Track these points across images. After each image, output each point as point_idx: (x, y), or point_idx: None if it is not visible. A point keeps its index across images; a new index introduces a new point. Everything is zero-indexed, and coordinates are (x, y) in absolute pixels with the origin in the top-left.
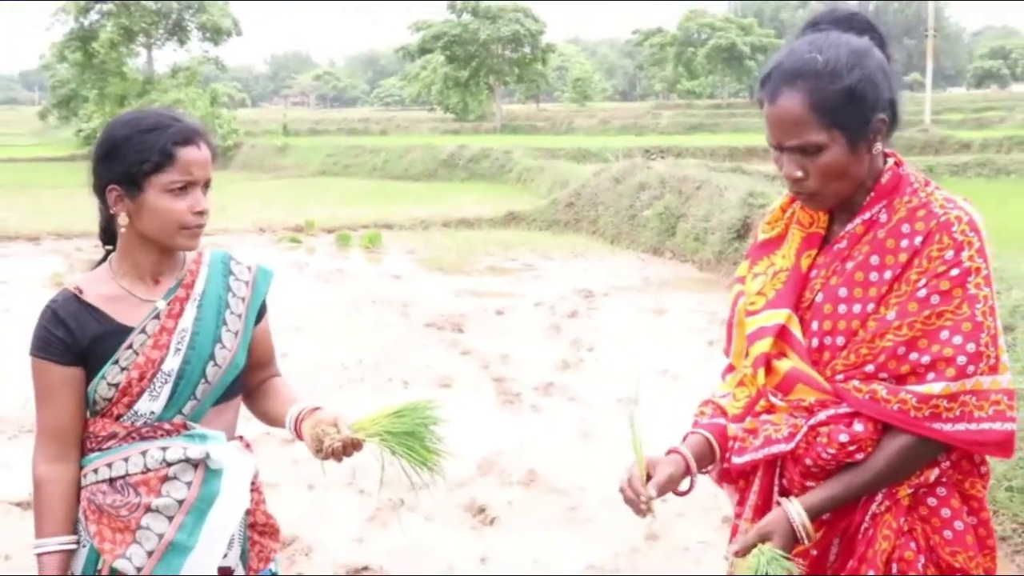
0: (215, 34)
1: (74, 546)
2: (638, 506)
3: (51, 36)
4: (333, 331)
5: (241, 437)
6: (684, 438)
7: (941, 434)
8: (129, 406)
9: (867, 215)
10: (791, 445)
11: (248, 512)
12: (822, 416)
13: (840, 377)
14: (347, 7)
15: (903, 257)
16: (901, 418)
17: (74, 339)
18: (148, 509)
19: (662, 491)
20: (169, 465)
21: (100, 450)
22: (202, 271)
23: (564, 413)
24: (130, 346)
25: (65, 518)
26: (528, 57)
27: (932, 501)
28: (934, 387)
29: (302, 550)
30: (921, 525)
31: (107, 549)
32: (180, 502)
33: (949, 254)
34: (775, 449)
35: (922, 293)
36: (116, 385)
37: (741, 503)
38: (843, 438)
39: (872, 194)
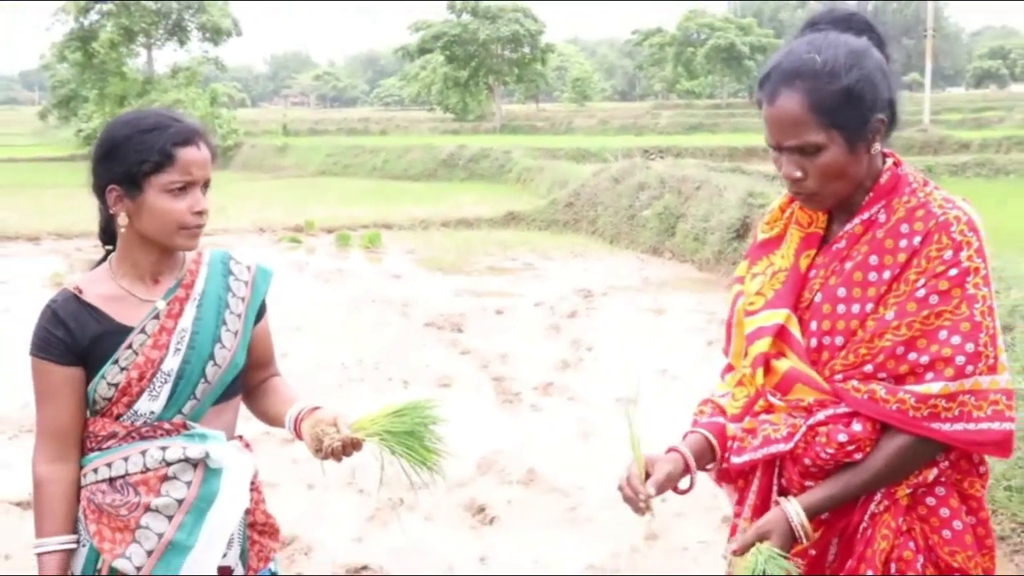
0: (215, 34)
1: (74, 545)
2: (637, 504)
3: (51, 36)
4: (333, 331)
5: (241, 437)
6: (683, 437)
7: (940, 434)
8: (129, 406)
9: (866, 215)
10: (790, 445)
11: (248, 511)
12: (821, 416)
13: (839, 377)
14: (347, 7)
15: (902, 257)
16: (900, 418)
17: (74, 339)
18: (148, 508)
19: (661, 489)
20: (169, 465)
21: (100, 450)
22: (202, 271)
23: (563, 413)
24: (130, 346)
25: (65, 518)
26: (527, 57)
27: (931, 501)
28: (933, 387)
29: (302, 549)
30: (920, 525)
31: (107, 548)
32: (180, 501)
33: (948, 254)
34: (774, 449)
35: (921, 293)
36: (116, 385)
37: (740, 503)
38: (842, 438)
39: (871, 194)
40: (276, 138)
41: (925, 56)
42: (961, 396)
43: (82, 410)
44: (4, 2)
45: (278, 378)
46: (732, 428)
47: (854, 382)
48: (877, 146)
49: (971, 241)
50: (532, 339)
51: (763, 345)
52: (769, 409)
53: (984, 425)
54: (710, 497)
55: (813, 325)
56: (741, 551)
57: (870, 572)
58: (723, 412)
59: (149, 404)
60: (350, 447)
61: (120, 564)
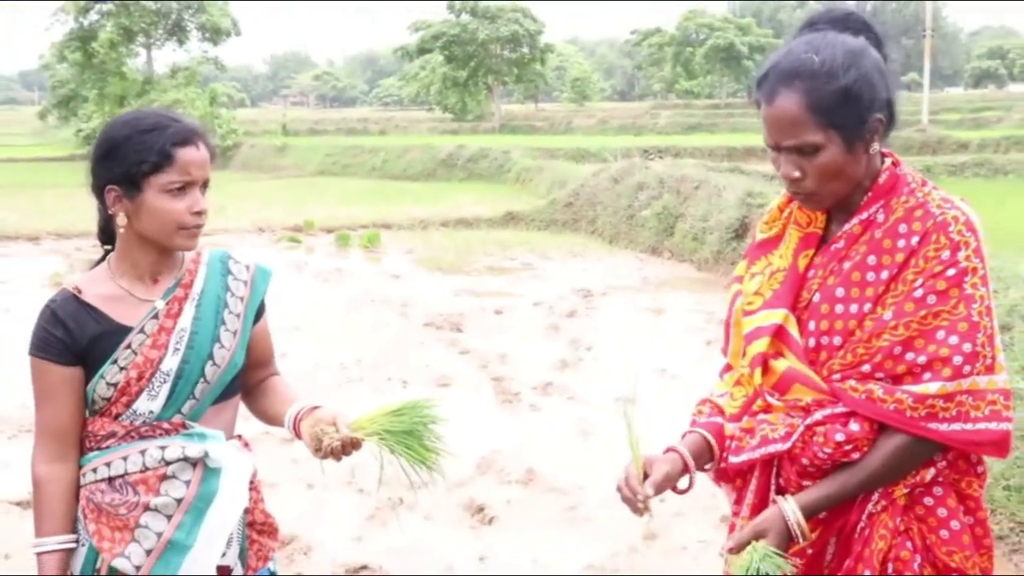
0: (214, 34)
1: (73, 545)
2: (635, 505)
3: (51, 36)
4: (332, 331)
5: (240, 436)
6: (682, 437)
7: (937, 434)
8: (128, 405)
9: (864, 215)
10: (788, 445)
11: (247, 511)
12: (818, 416)
13: (837, 377)
14: (346, 7)
15: (900, 257)
16: (897, 418)
17: (73, 339)
18: (147, 508)
19: (659, 490)
20: (168, 464)
21: (99, 449)
22: (201, 271)
23: (563, 412)
24: (129, 346)
25: (64, 517)
26: (527, 57)
27: (928, 501)
28: (930, 387)
29: (301, 549)
30: (917, 525)
31: (106, 548)
32: (179, 501)
33: (946, 254)
34: (772, 449)
35: (919, 293)
36: (115, 385)
37: (738, 502)
38: (839, 438)
39: (869, 194)
40: (275, 138)
41: (924, 56)
42: (959, 396)
43: (81, 410)
44: (4, 2)
45: (277, 377)
46: (730, 428)
47: (852, 382)
48: (875, 146)
49: (969, 241)
50: (531, 339)
51: (761, 345)
52: (767, 409)
53: (982, 425)
54: (709, 496)
55: (811, 325)
56: (737, 549)
57: (867, 572)
58: (721, 412)
59: (148, 404)
60: (349, 446)
61: (119, 563)
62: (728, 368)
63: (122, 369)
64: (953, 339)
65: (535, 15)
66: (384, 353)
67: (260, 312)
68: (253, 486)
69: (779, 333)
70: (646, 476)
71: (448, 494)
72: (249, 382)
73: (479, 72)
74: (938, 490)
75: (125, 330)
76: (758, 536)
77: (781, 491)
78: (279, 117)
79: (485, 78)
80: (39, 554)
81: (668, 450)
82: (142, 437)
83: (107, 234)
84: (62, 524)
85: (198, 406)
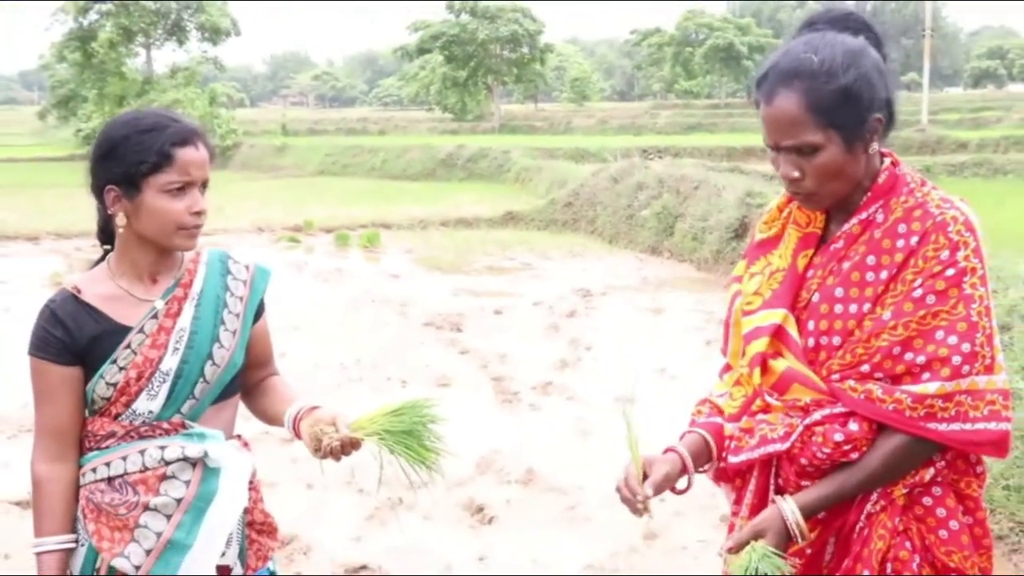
0: (214, 34)
1: (73, 545)
2: (635, 505)
3: (50, 36)
4: (332, 330)
5: (239, 436)
6: (681, 437)
7: (936, 434)
8: (127, 405)
9: (864, 215)
10: (787, 445)
11: (246, 511)
12: (817, 416)
13: (836, 377)
14: (346, 7)
15: (899, 257)
16: (896, 418)
17: (72, 339)
18: (146, 508)
19: (658, 490)
20: (167, 464)
21: (99, 449)
22: (200, 270)
23: (562, 412)
24: (128, 346)
25: (64, 517)
26: (526, 57)
27: (927, 501)
28: (929, 387)
29: (301, 549)
30: (916, 525)
31: (105, 548)
32: (178, 501)
33: (945, 254)
34: (771, 448)
35: (918, 293)
36: (114, 384)
37: (738, 502)
38: (838, 437)
39: (869, 194)
40: (275, 138)
41: (923, 56)
42: (958, 396)
43: (81, 410)
44: (4, 2)
45: (277, 377)
46: (729, 428)
47: (851, 382)
48: (875, 146)
49: (968, 241)
50: (531, 339)
51: (760, 345)
52: (766, 409)
53: (981, 425)
54: (708, 496)
55: (810, 325)
56: (736, 549)
57: (866, 572)
58: (721, 412)
59: (147, 403)
60: (349, 446)
61: (119, 563)
62: (727, 368)
63: (121, 369)
64: (952, 339)
65: (535, 15)
66: (383, 353)
67: (259, 312)
68: (253, 486)
69: (778, 333)
70: (645, 476)
71: (448, 494)
72: (248, 382)
73: (479, 72)
74: (937, 490)
75: (124, 330)
76: (757, 536)
77: (780, 491)
78: (278, 117)
79: (485, 78)
80: (38, 554)
81: (667, 450)
82: (141, 437)
83: (106, 234)
84: (62, 524)
85: (198, 406)
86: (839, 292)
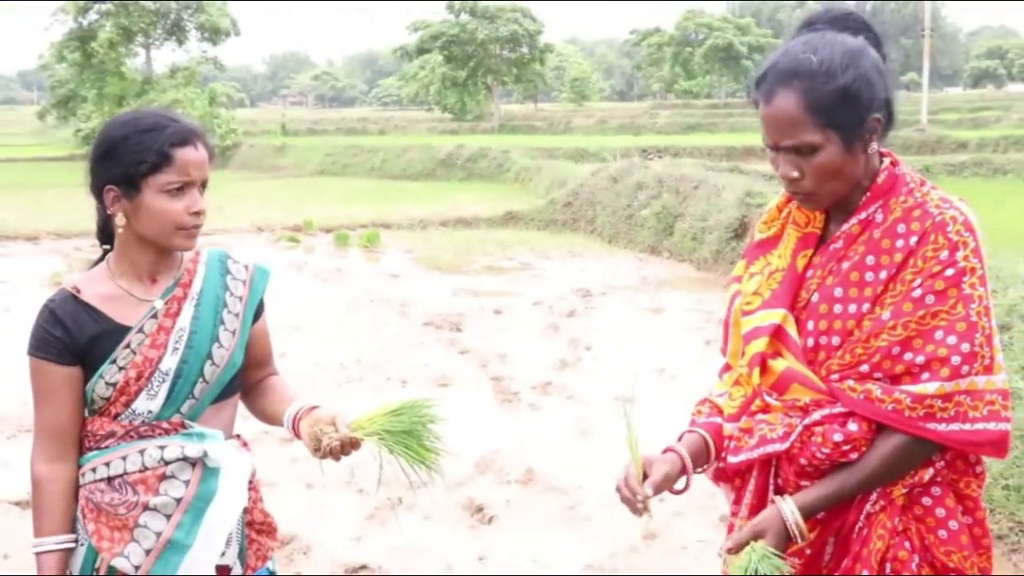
0: (213, 34)
1: (72, 545)
2: (634, 505)
3: (50, 36)
4: (331, 330)
5: (239, 436)
6: (680, 437)
7: (935, 434)
8: (127, 405)
9: (863, 215)
10: (786, 445)
11: (246, 510)
12: (817, 416)
13: (835, 377)
14: (345, 7)
15: (898, 257)
16: (895, 418)
17: (72, 339)
18: (146, 507)
19: (658, 490)
20: (167, 464)
21: (98, 449)
22: (200, 270)
23: (562, 412)
24: (128, 345)
25: (63, 517)
26: (526, 57)
27: (927, 501)
28: (928, 387)
29: (300, 549)
30: (916, 525)
31: (105, 547)
32: (178, 500)
33: (944, 254)
34: (770, 449)
35: (917, 293)
36: (114, 384)
37: (737, 502)
38: (837, 438)
39: (868, 194)
40: (274, 138)
41: (923, 56)
42: (957, 396)
43: (80, 409)
44: (3, 2)
45: (276, 377)
46: (729, 428)
47: (850, 382)
48: (874, 146)
49: (967, 241)
50: (530, 338)
51: (760, 345)
52: (766, 409)
53: (980, 425)
54: (708, 496)
55: (810, 325)
56: (736, 549)
57: (866, 572)
58: (720, 412)
59: (147, 403)
60: (348, 446)
61: (118, 563)
62: (727, 368)
63: (121, 369)
64: (951, 339)
65: (534, 15)
66: (383, 353)
67: (259, 312)
68: (252, 485)
69: (777, 333)
70: (645, 476)
71: (447, 494)
72: (248, 382)
73: (478, 72)
74: (936, 490)
75: (124, 330)
76: (757, 536)
77: (779, 491)
78: (278, 117)
79: (484, 78)
80: (38, 554)
81: (667, 450)
82: (141, 437)
83: (106, 234)
84: (61, 524)
85: (197, 406)
86: (838, 292)
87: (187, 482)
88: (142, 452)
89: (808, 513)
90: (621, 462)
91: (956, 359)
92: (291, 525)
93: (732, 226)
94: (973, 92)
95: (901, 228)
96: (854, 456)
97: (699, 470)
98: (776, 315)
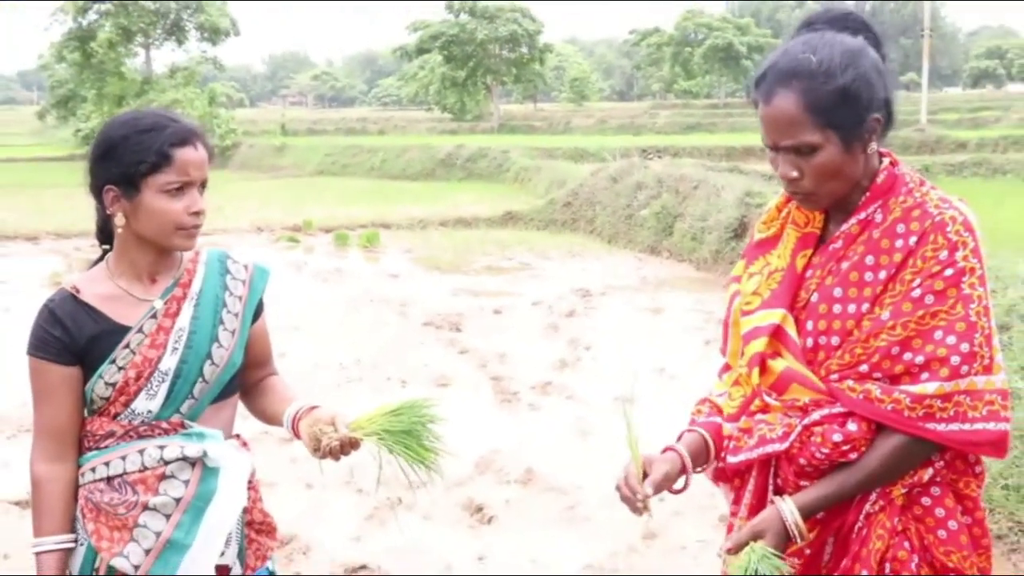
0: (213, 34)
1: (72, 545)
2: (634, 504)
3: (49, 36)
4: (331, 330)
5: (238, 435)
6: (680, 436)
7: (934, 434)
8: (126, 405)
9: (862, 215)
10: (785, 445)
11: (245, 510)
12: (816, 416)
13: (834, 377)
14: (345, 7)
15: (898, 257)
16: (895, 418)
17: (71, 338)
18: (146, 507)
19: (658, 489)
20: (167, 463)
21: (98, 449)
22: (199, 270)
23: (562, 412)
24: (127, 345)
25: (63, 517)
26: (526, 57)
27: (926, 501)
28: (928, 387)
29: (300, 549)
30: (915, 525)
31: (104, 547)
32: (177, 500)
33: (943, 254)
34: (769, 449)
35: (916, 293)
36: (113, 384)
37: (736, 502)
38: (837, 438)
39: (867, 194)
40: (274, 138)
41: (922, 56)
42: (956, 396)
43: (80, 409)
44: (3, 2)
45: (276, 377)
46: (728, 427)
47: (849, 382)
48: (873, 146)
49: (967, 241)
50: (530, 338)
51: (759, 345)
52: (765, 409)
53: (979, 425)
54: (708, 496)
55: (809, 325)
56: (735, 550)
57: (865, 572)
58: (720, 411)
59: (147, 403)
60: (348, 446)
61: (118, 563)
62: (727, 368)
63: (120, 369)
64: (951, 339)
65: (534, 15)
66: (383, 353)
67: (258, 311)
68: (252, 485)
69: (777, 333)
70: (645, 475)
71: (447, 494)
72: (247, 381)
73: (478, 72)
74: (936, 490)
75: (123, 330)
76: (756, 537)
77: (779, 491)
78: (278, 117)
79: (484, 78)
80: (38, 554)
81: (667, 449)
82: (141, 437)
83: (105, 234)
84: (61, 524)
85: (197, 405)
86: (838, 292)
87: (187, 482)
88: (141, 452)
89: (807, 513)
90: (621, 462)
91: (955, 359)
92: (291, 525)
93: (732, 226)
94: (972, 92)
95: (900, 228)
96: (853, 456)
97: (699, 470)
98: (775, 315)
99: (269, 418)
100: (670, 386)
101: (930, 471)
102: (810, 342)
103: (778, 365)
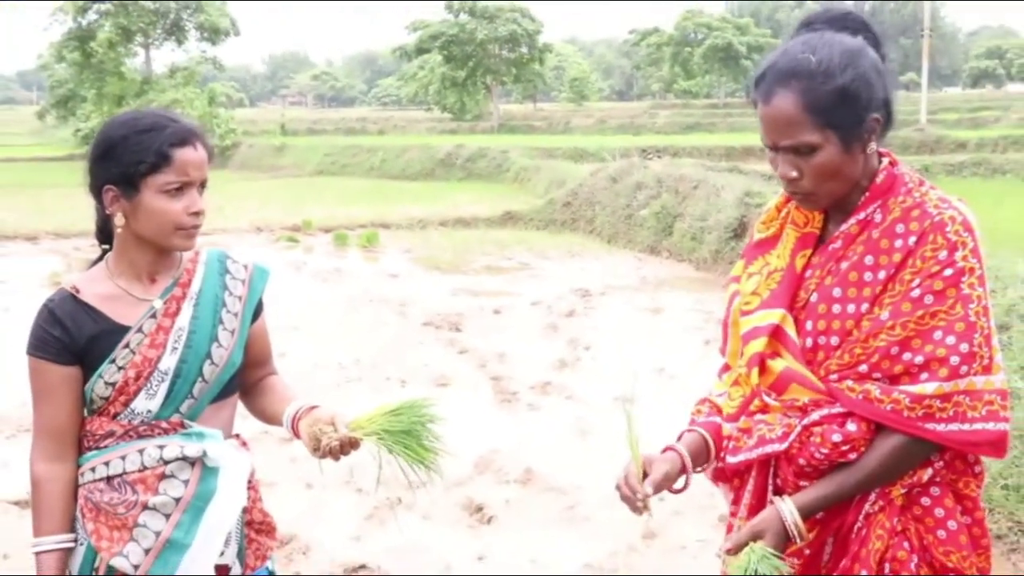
0: (213, 34)
1: (72, 544)
2: (634, 504)
3: (49, 36)
4: (331, 330)
5: (238, 435)
6: (680, 436)
7: (934, 434)
8: (126, 404)
9: (862, 215)
10: (784, 445)
11: (245, 510)
12: (816, 416)
13: (834, 377)
14: (345, 7)
15: (897, 257)
16: (894, 418)
17: (71, 338)
18: (145, 507)
19: (658, 489)
20: (166, 463)
21: (97, 448)
22: (199, 270)
23: (561, 412)
24: (127, 345)
25: (63, 516)
26: (525, 57)
27: (926, 501)
28: (927, 387)
29: (300, 549)
30: (914, 525)
31: (104, 547)
32: (177, 500)
33: (943, 254)
34: (769, 449)
35: (916, 293)
36: (113, 384)
37: (736, 502)
38: (836, 438)
39: (867, 194)
40: (274, 138)
41: (922, 56)
42: (956, 396)
43: (79, 409)
44: (3, 2)
45: (275, 377)
46: (728, 427)
47: (849, 382)
48: (873, 146)
49: (966, 241)
50: (530, 338)
51: (758, 345)
52: (764, 409)
53: (979, 425)
54: (707, 496)
55: (808, 325)
56: (735, 550)
57: (864, 572)
58: (720, 411)
59: (146, 403)
60: (348, 446)
61: (118, 563)
62: (726, 368)
63: (120, 368)
64: (950, 339)
65: (533, 15)
66: (382, 353)
67: (258, 311)
68: (251, 485)
69: (776, 333)
70: (645, 475)
71: (446, 494)
72: (247, 381)
73: (477, 72)
74: (935, 490)
75: (123, 329)
76: (756, 537)
77: (778, 491)
78: (277, 117)
79: (483, 78)
80: (37, 553)
81: (667, 449)
82: (140, 436)
83: (105, 234)
84: (60, 523)
85: (196, 405)
86: (837, 292)
87: (186, 481)
88: (141, 452)
89: (807, 513)
90: (620, 462)
91: (955, 359)
92: (290, 525)
93: (731, 226)
94: (972, 92)
95: (900, 228)
96: (853, 456)
97: (699, 469)
98: (775, 315)
99: (269, 418)
100: (670, 386)
101: (929, 471)
102: (809, 342)
103: (777, 365)
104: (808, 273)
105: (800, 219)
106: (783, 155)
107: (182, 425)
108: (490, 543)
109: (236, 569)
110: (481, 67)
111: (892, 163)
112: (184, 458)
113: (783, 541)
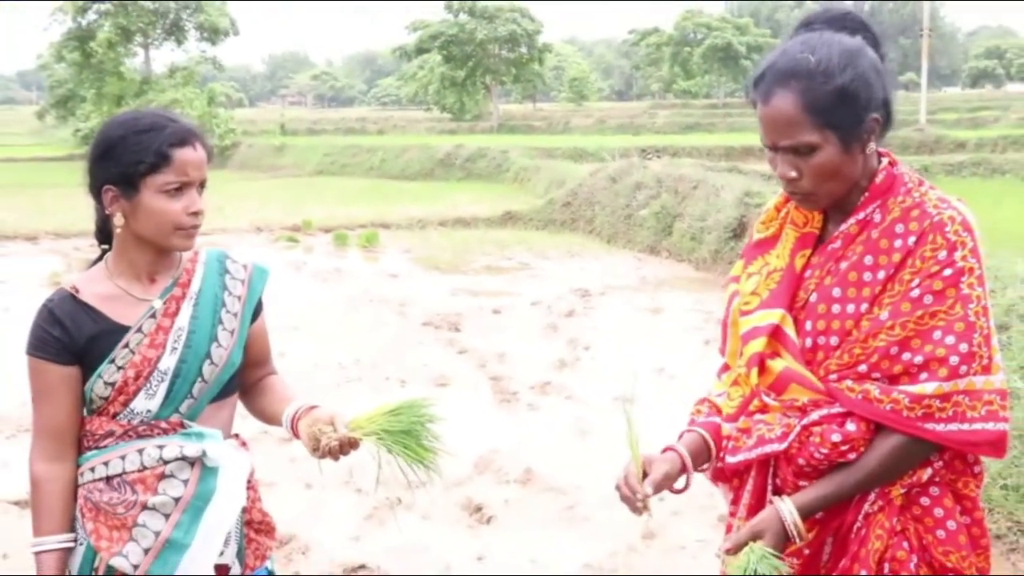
0: (212, 34)
1: (71, 544)
2: (634, 504)
3: (49, 36)
4: (330, 330)
5: (237, 435)
6: (680, 436)
7: (933, 434)
8: (126, 404)
9: (861, 215)
10: (784, 445)
11: (244, 510)
12: (815, 416)
13: (833, 377)
14: (345, 7)
15: (896, 257)
16: (893, 418)
17: (70, 338)
18: (145, 507)
19: (658, 489)
20: (166, 463)
21: (97, 448)
22: (198, 270)
23: (561, 412)
24: (126, 345)
25: (62, 516)
26: (525, 57)
27: (925, 501)
28: (927, 387)
29: (299, 549)
30: (914, 525)
31: (104, 547)
32: (177, 500)
33: (942, 254)
34: (768, 449)
35: (915, 293)
36: (112, 384)
37: (735, 502)
38: (836, 438)
39: (866, 194)
40: (274, 138)
41: (921, 56)
42: (955, 396)
43: (79, 409)
44: (3, 2)
45: (275, 376)
46: (727, 427)
47: (848, 382)
48: (872, 146)
49: (966, 241)
50: (529, 338)
51: (758, 345)
52: (764, 409)
53: (978, 425)
54: (707, 496)
55: (808, 325)
56: (734, 550)
57: (864, 572)
58: (720, 411)
59: (146, 403)
60: (347, 446)
61: (117, 562)
62: (726, 368)
63: (120, 368)
64: (950, 339)
65: (533, 15)
66: (382, 352)
67: (258, 311)
68: (251, 485)
69: (776, 333)
70: (645, 475)
71: (446, 494)
72: (247, 381)
73: (477, 72)
74: (935, 490)
75: (123, 329)
76: (755, 537)
77: (778, 491)
78: (277, 117)
79: (483, 78)
80: (37, 553)
81: (666, 449)
82: (140, 436)
83: (104, 234)
84: (60, 523)
85: (196, 405)
86: (837, 292)
87: (186, 481)
88: (141, 451)
89: (806, 513)
90: (620, 462)
91: (954, 359)
92: (290, 525)
93: (731, 226)
94: (971, 92)
95: (899, 228)
96: (852, 456)
97: (699, 469)
98: (774, 315)
99: (268, 418)
100: (670, 386)
101: (929, 471)
102: (809, 342)
103: (777, 365)
104: (807, 273)
105: (799, 219)
106: (782, 155)
107: (182, 425)
108: (490, 543)
109: (235, 569)
110: (481, 67)
111: (891, 163)
112: (183, 458)
113: (782, 541)
